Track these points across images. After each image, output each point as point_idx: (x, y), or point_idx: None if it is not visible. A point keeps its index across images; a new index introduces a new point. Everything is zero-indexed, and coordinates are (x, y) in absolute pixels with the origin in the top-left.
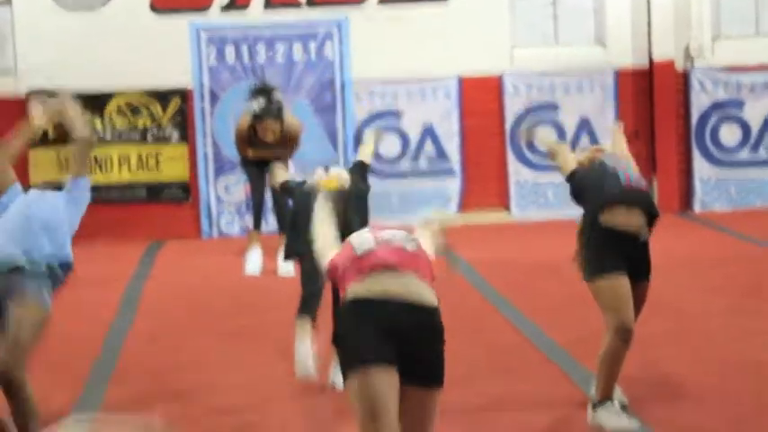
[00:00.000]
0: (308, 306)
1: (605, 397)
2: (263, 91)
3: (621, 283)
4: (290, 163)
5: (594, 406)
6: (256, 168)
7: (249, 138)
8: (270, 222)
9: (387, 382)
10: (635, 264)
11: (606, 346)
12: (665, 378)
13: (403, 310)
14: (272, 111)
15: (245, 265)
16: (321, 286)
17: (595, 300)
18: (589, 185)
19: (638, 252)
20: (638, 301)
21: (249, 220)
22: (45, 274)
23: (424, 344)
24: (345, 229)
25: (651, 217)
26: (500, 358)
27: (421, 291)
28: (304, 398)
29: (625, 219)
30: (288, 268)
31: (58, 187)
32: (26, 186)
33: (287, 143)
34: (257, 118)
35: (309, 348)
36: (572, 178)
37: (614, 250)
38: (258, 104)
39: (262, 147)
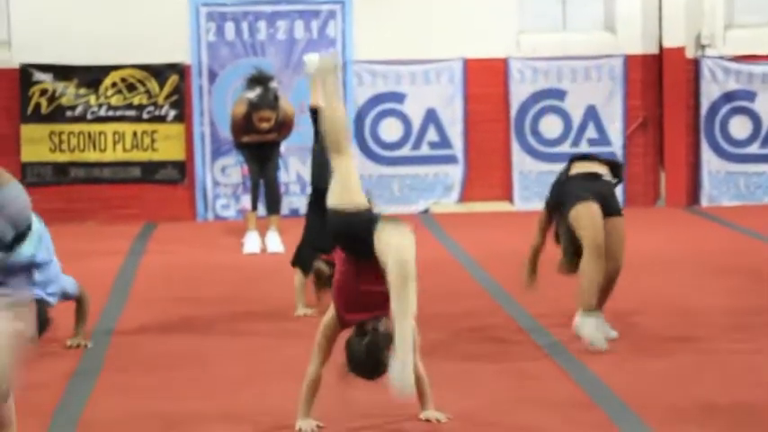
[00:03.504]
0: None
1: (588, 307)
2: (260, 80)
3: (594, 208)
4: (283, 145)
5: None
6: (252, 150)
7: (245, 125)
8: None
9: None
10: (605, 201)
11: (583, 261)
12: (668, 380)
13: None
14: (269, 101)
15: (243, 245)
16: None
17: (574, 226)
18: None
19: (606, 189)
20: (617, 236)
21: (246, 200)
22: None
23: None
24: None
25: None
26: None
27: None
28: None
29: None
30: (276, 245)
31: None
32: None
33: (281, 130)
34: (253, 107)
35: None
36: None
37: (584, 187)
38: (255, 94)
39: (256, 133)
